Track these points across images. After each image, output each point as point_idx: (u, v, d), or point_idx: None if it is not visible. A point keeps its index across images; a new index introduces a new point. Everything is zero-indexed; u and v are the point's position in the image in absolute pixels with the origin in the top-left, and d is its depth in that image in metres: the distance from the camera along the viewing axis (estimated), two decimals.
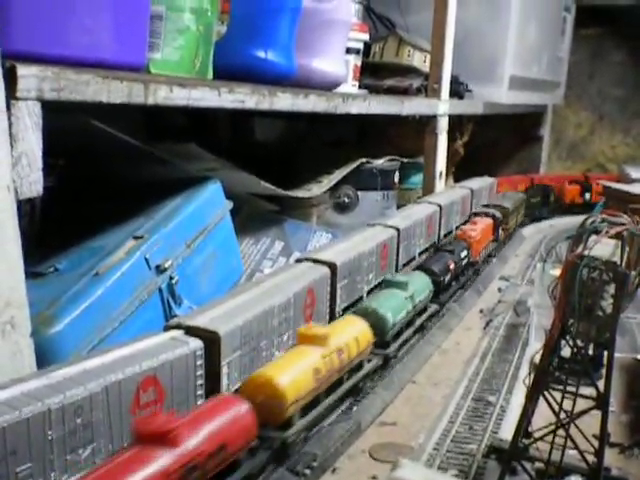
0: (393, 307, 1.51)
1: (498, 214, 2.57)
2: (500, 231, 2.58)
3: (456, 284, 2.04)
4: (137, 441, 0.84)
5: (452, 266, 1.93)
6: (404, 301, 1.56)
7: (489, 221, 2.46)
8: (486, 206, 2.69)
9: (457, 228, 2.39)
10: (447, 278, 1.89)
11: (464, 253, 2.06)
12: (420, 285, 1.69)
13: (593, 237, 0.96)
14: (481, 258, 2.31)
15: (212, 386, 1.06)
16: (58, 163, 1.48)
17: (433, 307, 1.79)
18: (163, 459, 0.82)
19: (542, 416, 1.08)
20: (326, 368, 1.18)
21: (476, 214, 2.55)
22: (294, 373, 1.11)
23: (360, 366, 1.34)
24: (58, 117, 1.10)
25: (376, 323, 1.42)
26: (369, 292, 1.66)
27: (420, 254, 2.07)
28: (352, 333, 1.31)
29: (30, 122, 1.04)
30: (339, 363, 1.22)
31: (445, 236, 2.34)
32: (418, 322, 1.67)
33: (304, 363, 1.14)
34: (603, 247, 0.96)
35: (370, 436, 1.29)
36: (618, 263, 0.94)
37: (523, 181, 3.63)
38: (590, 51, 4.65)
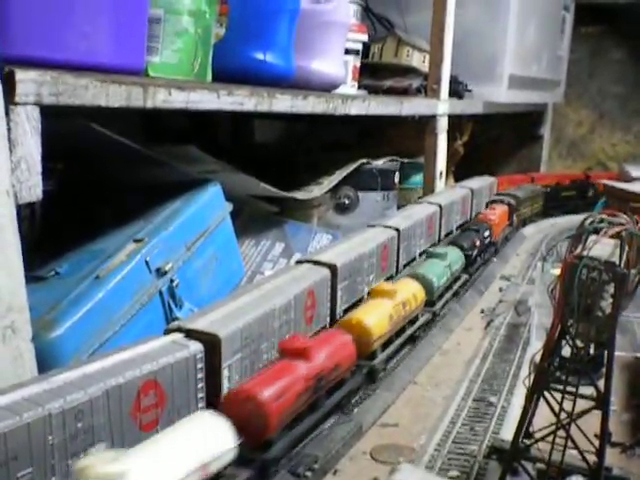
0: (437, 273, 1.82)
1: (512, 202, 2.88)
2: (514, 217, 2.90)
3: (480, 259, 2.33)
4: (282, 356, 1.15)
5: (478, 243, 2.23)
6: (444, 269, 1.88)
7: (505, 207, 2.77)
8: (501, 194, 3.01)
9: (478, 214, 2.66)
10: (474, 253, 2.20)
11: (487, 233, 2.36)
12: (455, 257, 2.00)
13: (592, 237, 0.96)
14: (500, 239, 2.62)
15: (213, 389, 1.06)
16: (57, 167, 1.48)
17: (464, 277, 2.10)
18: (303, 369, 1.12)
19: (543, 416, 1.08)
20: (396, 315, 1.51)
21: (493, 201, 2.84)
22: (376, 317, 1.44)
23: (416, 318, 1.66)
24: (57, 121, 1.10)
25: (425, 285, 1.72)
26: (369, 293, 1.66)
27: (421, 254, 2.07)
28: (411, 291, 1.63)
29: (29, 127, 1.04)
30: (404, 313, 1.55)
31: (446, 236, 2.34)
32: (455, 287, 2.00)
33: (382, 310, 1.47)
34: (602, 247, 0.96)
35: (371, 437, 1.29)
36: (617, 263, 0.93)
37: (523, 180, 3.63)
38: (590, 49, 4.65)
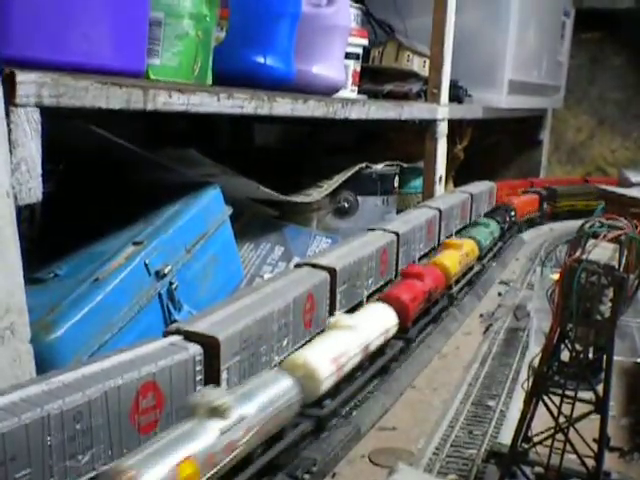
0: (484, 236, 2.39)
1: (544, 192, 3.45)
2: (545, 206, 3.45)
3: (508, 234, 2.87)
4: (403, 278, 1.72)
5: (507, 219, 2.84)
6: (488, 234, 2.46)
7: (535, 197, 3.38)
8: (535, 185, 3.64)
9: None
10: (505, 226, 2.78)
11: (512, 213, 2.94)
12: (494, 226, 2.59)
13: (591, 241, 0.96)
14: (523, 220, 3.16)
15: None
16: (58, 169, 1.49)
17: (499, 244, 2.67)
18: (420, 285, 1.67)
19: (541, 420, 1.08)
20: (463, 262, 2.06)
21: (525, 192, 3.44)
22: (452, 262, 1.95)
23: (471, 268, 2.19)
24: (58, 123, 1.10)
25: (477, 243, 2.26)
26: (369, 297, 1.66)
27: (420, 259, 2.07)
28: (470, 246, 2.17)
29: (29, 128, 1.04)
30: (466, 261, 2.10)
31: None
32: (495, 249, 2.59)
33: (454, 257, 1.99)
34: (602, 251, 0.96)
35: (370, 441, 1.29)
36: (616, 267, 0.94)
37: (523, 185, 3.64)
38: (590, 55, 4.66)
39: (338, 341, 1.28)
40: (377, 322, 1.44)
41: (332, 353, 1.23)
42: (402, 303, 1.56)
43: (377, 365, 1.44)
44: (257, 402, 1.01)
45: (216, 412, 0.92)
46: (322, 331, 1.41)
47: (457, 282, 2.02)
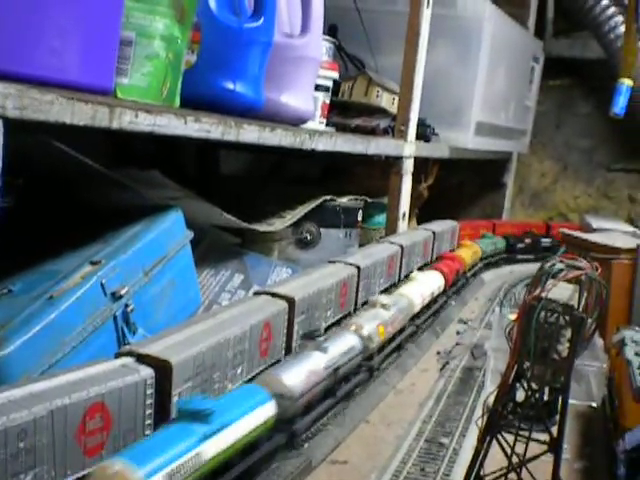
0: (485, 245, 3.19)
1: None
2: None
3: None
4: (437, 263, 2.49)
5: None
6: (490, 245, 3.28)
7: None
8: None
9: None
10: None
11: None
12: (500, 242, 3.47)
13: (551, 280, 0.96)
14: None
15: (161, 416, 1.04)
16: (17, 183, 1.46)
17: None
18: (453, 264, 2.53)
19: (495, 460, 1.07)
20: (474, 256, 2.92)
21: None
22: (467, 255, 2.80)
23: (474, 266, 2.94)
24: (19, 136, 1.08)
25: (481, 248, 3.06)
26: (327, 329, 1.65)
27: (380, 293, 2.07)
28: (473, 249, 2.96)
29: None
30: (475, 256, 2.95)
31: (406, 277, 2.34)
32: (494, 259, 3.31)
33: (468, 253, 2.85)
34: (561, 291, 0.96)
35: (320, 474, 1.28)
36: (575, 307, 0.93)
37: (485, 226, 3.66)
38: (557, 101, 4.71)
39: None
40: None
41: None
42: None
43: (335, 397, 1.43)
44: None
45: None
46: (278, 361, 1.40)
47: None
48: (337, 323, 1.72)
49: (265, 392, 1.14)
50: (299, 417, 1.26)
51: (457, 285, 2.66)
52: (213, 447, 0.96)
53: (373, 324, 1.60)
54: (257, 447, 1.12)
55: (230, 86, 1.75)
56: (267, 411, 1.12)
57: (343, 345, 1.45)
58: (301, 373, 1.26)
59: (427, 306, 2.15)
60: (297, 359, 1.31)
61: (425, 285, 2.14)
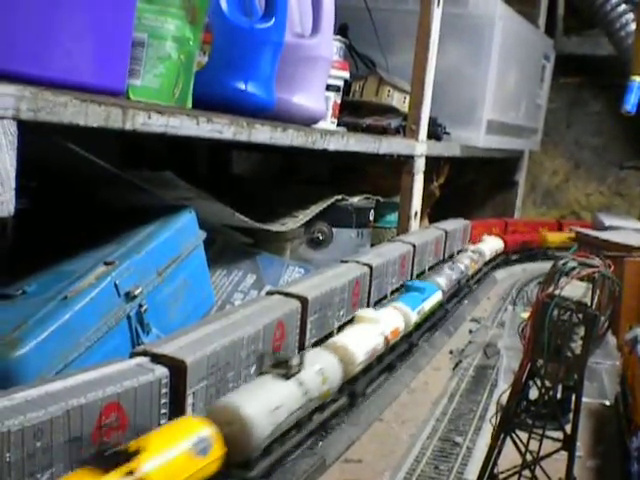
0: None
1: None
2: None
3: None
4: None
5: None
6: None
7: None
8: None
9: None
10: None
11: None
12: None
13: (565, 278, 0.96)
14: None
15: (176, 415, 1.05)
16: (31, 185, 1.47)
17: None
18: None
19: (508, 459, 1.07)
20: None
21: None
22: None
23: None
24: (34, 138, 1.09)
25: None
26: (339, 329, 1.65)
27: (392, 292, 2.07)
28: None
29: (5, 141, 1.03)
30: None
31: (418, 276, 2.34)
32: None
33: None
34: (574, 289, 0.96)
35: (334, 473, 1.28)
36: (589, 305, 0.94)
37: (497, 225, 3.66)
38: (568, 99, 4.71)
39: None
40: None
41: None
42: None
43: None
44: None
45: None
46: None
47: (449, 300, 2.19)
48: (350, 322, 1.72)
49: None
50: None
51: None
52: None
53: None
54: None
55: (242, 86, 1.75)
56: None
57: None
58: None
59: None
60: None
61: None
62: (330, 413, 1.32)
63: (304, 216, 2.43)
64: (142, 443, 0.85)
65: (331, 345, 1.37)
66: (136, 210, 1.60)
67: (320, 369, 1.23)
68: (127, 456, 0.81)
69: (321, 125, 2.27)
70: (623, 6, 3.92)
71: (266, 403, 1.06)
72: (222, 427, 0.97)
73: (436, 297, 2.01)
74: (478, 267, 2.74)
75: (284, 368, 1.13)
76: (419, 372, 1.84)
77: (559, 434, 1.01)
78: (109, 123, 1.22)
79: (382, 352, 1.54)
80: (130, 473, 0.79)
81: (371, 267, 1.88)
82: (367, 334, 1.49)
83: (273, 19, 1.77)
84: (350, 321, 1.63)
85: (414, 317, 1.76)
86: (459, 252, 2.75)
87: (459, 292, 2.43)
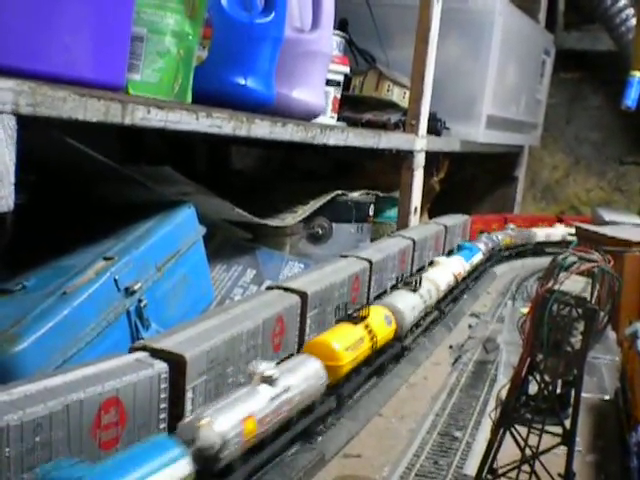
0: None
1: None
2: None
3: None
4: None
5: None
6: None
7: None
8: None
9: None
10: None
11: None
12: None
13: (564, 272, 0.96)
14: None
15: (176, 410, 1.05)
16: (30, 179, 1.47)
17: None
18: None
19: (507, 454, 1.07)
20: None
21: None
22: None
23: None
24: (32, 133, 1.09)
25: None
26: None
27: (392, 288, 2.07)
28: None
29: (4, 135, 1.03)
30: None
31: (418, 271, 2.34)
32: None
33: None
34: (574, 284, 0.96)
35: (334, 468, 1.28)
36: (588, 300, 0.94)
37: (497, 220, 3.66)
38: (568, 95, 4.71)
39: None
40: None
41: None
42: None
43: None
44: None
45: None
46: (291, 355, 1.40)
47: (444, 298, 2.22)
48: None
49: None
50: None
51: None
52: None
53: None
54: None
55: (241, 81, 1.75)
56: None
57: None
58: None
59: None
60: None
61: None
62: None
63: (304, 211, 2.43)
64: (366, 312, 1.53)
65: (426, 277, 2.03)
66: (135, 205, 1.59)
67: (427, 289, 1.95)
68: (364, 317, 1.51)
69: (321, 120, 2.27)
70: (623, 1, 3.92)
71: (410, 304, 1.78)
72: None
73: (478, 257, 2.73)
74: (514, 242, 3.38)
75: (411, 287, 1.88)
76: (418, 367, 1.84)
77: (558, 429, 1.01)
78: (108, 118, 1.22)
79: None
80: (367, 326, 1.50)
81: (371, 262, 1.88)
82: (444, 272, 2.23)
83: (273, 14, 1.77)
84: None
85: (467, 266, 2.50)
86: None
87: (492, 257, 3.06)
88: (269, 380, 1.11)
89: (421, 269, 2.26)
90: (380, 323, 1.58)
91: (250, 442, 1.04)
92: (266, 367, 1.11)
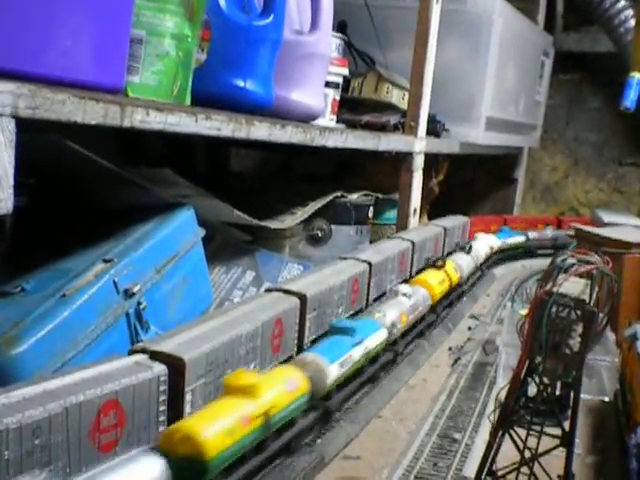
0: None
1: None
2: None
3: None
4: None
5: None
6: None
7: None
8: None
9: None
10: None
11: None
12: None
13: (563, 274, 0.96)
14: None
15: (175, 413, 1.05)
16: (29, 182, 1.47)
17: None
18: None
19: (506, 456, 1.07)
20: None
21: None
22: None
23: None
24: (32, 136, 1.09)
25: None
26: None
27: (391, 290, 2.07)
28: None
29: (3, 138, 1.03)
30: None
31: (417, 273, 2.34)
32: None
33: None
34: (573, 285, 0.96)
35: (333, 470, 1.28)
36: (587, 302, 0.94)
37: (496, 221, 3.66)
38: (568, 96, 4.71)
39: None
40: None
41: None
42: None
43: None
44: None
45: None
46: (290, 357, 1.40)
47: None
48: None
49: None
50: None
51: None
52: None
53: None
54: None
55: (240, 83, 1.75)
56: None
57: None
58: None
59: None
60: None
61: None
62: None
63: (303, 213, 2.43)
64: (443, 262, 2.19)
65: (474, 246, 2.62)
66: (135, 207, 1.60)
67: (454, 267, 2.29)
68: (443, 264, 2.17)
69: (320, 122, 2.27)
70: (622, 2, 3.92)
71: (465, 262, 2.42)
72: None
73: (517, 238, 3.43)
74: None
75: (437, 266, 2.20)
76: (418, 369, 1.84)
77: (558, 431, 1.01)
78: (107, 120, 1.22)
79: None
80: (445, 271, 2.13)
81: (370, 264, 1.88)
82: (482, 245, 2.86)
83: (271, 16, 1.77)
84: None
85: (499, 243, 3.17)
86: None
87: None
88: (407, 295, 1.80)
89: (422, 269, 2.28)
90: (451, 271, 2.25)
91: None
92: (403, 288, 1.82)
